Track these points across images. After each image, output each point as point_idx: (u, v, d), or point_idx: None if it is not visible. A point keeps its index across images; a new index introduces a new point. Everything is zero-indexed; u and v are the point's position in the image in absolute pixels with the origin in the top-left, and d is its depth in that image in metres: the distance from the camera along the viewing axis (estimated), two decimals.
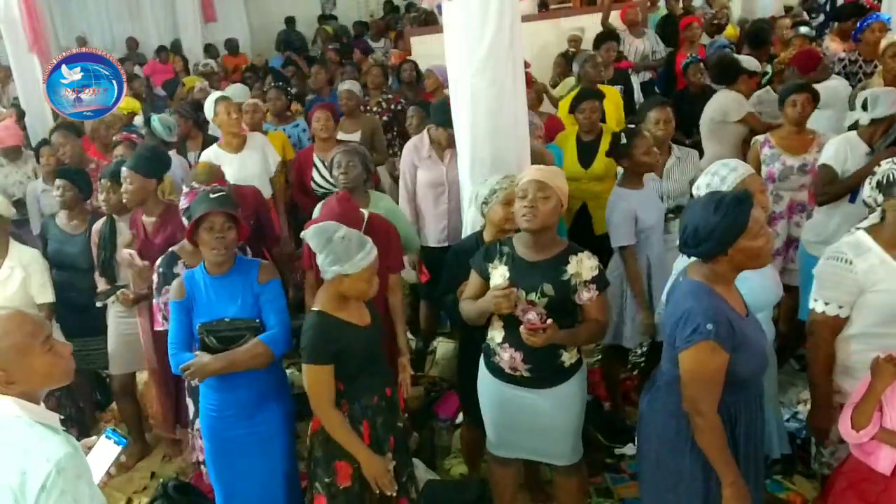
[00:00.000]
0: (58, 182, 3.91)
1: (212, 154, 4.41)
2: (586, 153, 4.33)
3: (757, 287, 2.53)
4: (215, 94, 4.67)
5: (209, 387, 2.79)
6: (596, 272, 2.53)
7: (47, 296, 3.69)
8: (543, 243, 2.55)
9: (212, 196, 2.74)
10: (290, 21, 12.10)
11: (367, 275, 2.47)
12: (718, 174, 2.64)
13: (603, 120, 5.07)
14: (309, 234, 2.54)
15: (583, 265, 2.52)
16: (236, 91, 5.91)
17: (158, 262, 3.12)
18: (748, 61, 4.96)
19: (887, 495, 2.26)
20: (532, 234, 2.52)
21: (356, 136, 5.04)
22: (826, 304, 2.45)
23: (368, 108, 5.63)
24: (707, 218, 2.07)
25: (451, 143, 3.87)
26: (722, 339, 2.05)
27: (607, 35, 6.39)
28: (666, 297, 2.40)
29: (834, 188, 3.44)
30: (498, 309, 2.48)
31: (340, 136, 4.94)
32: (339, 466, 2.59)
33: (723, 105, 4.80)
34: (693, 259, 2.25)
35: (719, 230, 2.06)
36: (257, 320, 2.73)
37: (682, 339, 2.09)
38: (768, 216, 2.75)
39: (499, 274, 2.56)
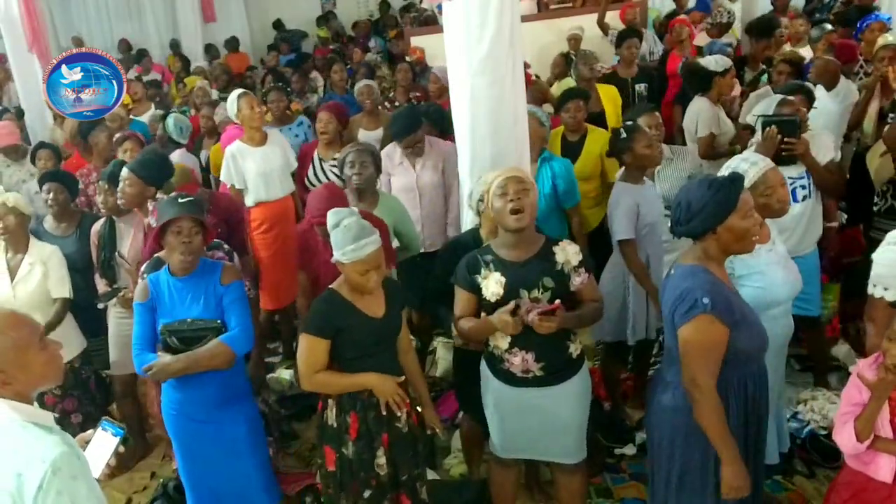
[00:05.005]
0: (47, 186, 3.90)
1: (235, 148, 4.44)
2: (570, 153, 4.30)
3: (779, 281, 2.57)
4: (237, 91, 4.65)
5: (171, 386, 2.83)
6: (580, 256, 2.58)
7: (64, 290, 3.69)
8: (527, 240, 2.56)
9: (180, 201, 2.77)
10: (277, 25, 12.14)
11: (359, 267, 2.47)
12: (739, 168, 2.64)
13: (605, 119, 5.07)
14: (328, 216, 2.58)
15: (568, 252, 2.56)
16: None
17: (143, 267, 3.14)
18: (715, 62, 4.71)
19: (892, 503, 2.25)
20: (519, 233, 2.52)
21: (377, 133, 5.05)
22: (885, 289, 2.44)
23: (397, 105, 5.64)
24: (701, 194, 2.16)
25: (418, 153, 4.02)
26: (719, 313, 2.12)
27: (629, 32, 6.11)
28: (661, 289, 2.44)
29: None
30: (505, 331, 2.47)
31: (361, 133, 4.97)
32: (326, 450, 2.65)
33: (693, 118, 4.71)
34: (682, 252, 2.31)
35: (711, 205, 2.14)
36: (219, 321, 2.76)
37: (681, 316, 2.15)
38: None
39: (493, 281, 2.54)
